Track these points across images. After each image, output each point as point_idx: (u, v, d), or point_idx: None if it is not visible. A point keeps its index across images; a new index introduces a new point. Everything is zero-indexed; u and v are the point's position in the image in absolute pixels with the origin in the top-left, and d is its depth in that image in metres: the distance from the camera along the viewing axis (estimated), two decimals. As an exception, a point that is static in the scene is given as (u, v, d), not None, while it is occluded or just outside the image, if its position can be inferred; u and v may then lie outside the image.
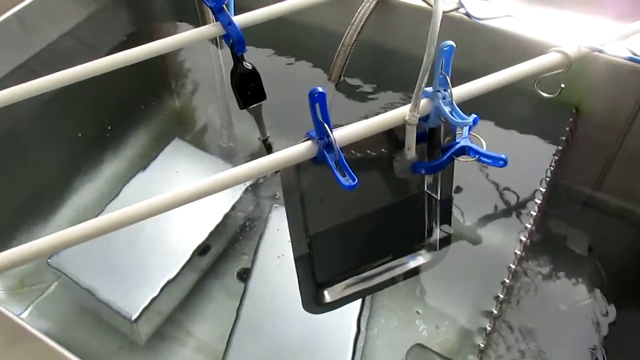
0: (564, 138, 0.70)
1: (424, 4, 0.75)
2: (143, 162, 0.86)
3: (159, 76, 1.00)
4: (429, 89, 0.54)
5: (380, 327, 0.73)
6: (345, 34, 0.76)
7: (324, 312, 0.65)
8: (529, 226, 0.62)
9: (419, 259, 0.67)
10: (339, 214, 0.62)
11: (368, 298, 0.72)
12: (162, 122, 0.96)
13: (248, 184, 0.82)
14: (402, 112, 0.53)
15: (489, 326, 0.55)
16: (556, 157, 0.68)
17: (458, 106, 0.53)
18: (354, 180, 0.46)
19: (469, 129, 0.62)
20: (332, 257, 0.64)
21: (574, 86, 0.73)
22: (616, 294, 0.86)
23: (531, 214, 0.63)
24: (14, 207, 0.84)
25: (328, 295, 0.64)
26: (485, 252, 0.66)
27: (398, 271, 0.67)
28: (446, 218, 0.66)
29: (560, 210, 0.86)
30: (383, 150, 0.60)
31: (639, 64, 0.67)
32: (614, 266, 0.87)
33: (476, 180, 0.70)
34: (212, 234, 0.78)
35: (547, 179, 0.66)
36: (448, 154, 0.59)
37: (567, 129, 0.71)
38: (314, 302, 0.64)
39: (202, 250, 0.78)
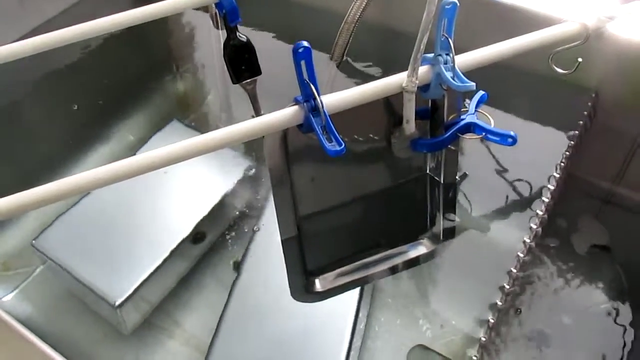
0: (581, 123, 0.65)
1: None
2: (141, 144, 0.83)
3: (162, 59, 0.98)
4: (430, 56, 0.49)
5: (380, 326, 0.68)
6: (349, 11, 0.72)
7: (314, 301, 0.60)
8: (540, 213, 0.57)
9: (420, 249, 0.62)
10: (332, 195, 0.58)
11: (367, 294, 0.67)
12: (163, 105, 0.94)
13: (243, 170, 0.79)
14: (399, 78, 0.49)
15: (492, 319, 0.50)
16: (572, 143, 0.63)
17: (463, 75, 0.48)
18: (340, 145, 0.42)
19: (476, 106, 0.57)
20: (324, 243, 0.60)
21: (593, 68, 0.68)
22: (637, 298, 0.80)
23: (543, 201, 0.58)
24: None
25: (319, 284, 0.60)
26: (493, 243, 0.61)
27: (396, 260, 0.62)
28: (450, 204, 0.62)
29: (577, 205, 0.81)
30: (381, 126, 0.55)
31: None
32: (635, 268, 0.81)
33: (485, 166, 0.65)
34: (205, 222, 0.74)
35: (562, 164, 0.61)
36: (452, 131, 0.55)
37: (586, 113, 0.66)
38: (303, 290, 0.59)
39: (195, 237, 0.74)
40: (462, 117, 0.55)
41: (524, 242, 0.56)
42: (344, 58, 0.74)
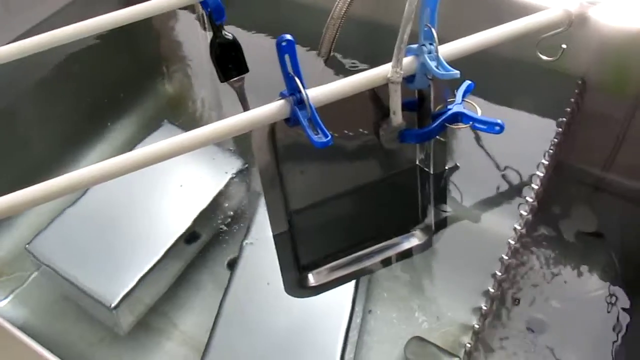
0: (569, 109, 0.65)
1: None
2: (133, 147, 0.83)
3: (151, 61, 0.98)
4: (415, 46, 0.49)
5: (377, 319, 0.69)
6: (335, 7, 0.72)
7: (308, 296, 0.60)
8: (530, 200, 0.57)
9: (413, 240, 0.63)
10: (322, 189, 0.58)
11: (362, 288, 0.67)
12: (154, 107, 0.94)
13: (236, 169, 0.79)
14: (384, 70, 0.49)
15: (485, 306, 0.51)
16: (560, 129, 0.63)
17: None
18: (326, 136, 0.42)
19: (463, 95, 0.58)
20: (317, 237, 0.60)
21: (579, 55, 0.69)
22: (631, 283, 0.81)
23: (533, 188, 0.59)
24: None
25: (312, 279, 0.60)
26: (485, 231, 0.61)
27: (390, 253, 0.62)
28: (441, 195, 0.62)
29: (568, 193, 0.81)
30: (369, 118, 0.55)
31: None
32: (628, 253, 0.82)
33: (475, 156, 0.66)
34: (198, 221, 0.74)
35: (551, 151, 0.61)
36: (439, 121, 0.55)
37: (572, 100, 0.66)
38: (297, 285, 0.59)
39: (188, 237, 0.74)
40: (449, 107, 0.55)
41: (515, 229, 0.56)
42: (332, 54, 0.74)
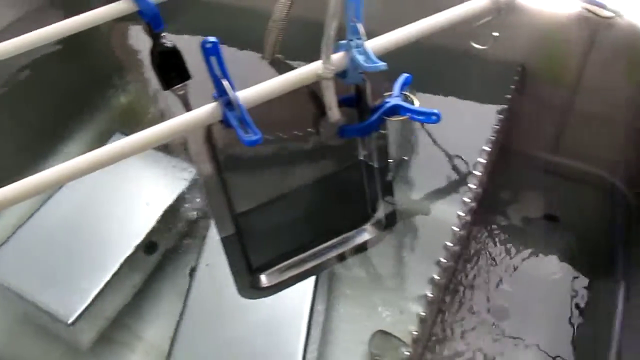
0: (509, 96, 0.66)
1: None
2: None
3: (102, 73, 0.97)
4: (345, 42, 0.50)
5: (340, 317, 0.69)
6: (275, 9, 0.72)
7: (263, 297, 0.60)
8: (473, 187, 0.58)
9: (365, 235, 0.63)
10: (268, 190, 0.58)
11: (323, 287, 0.68)
12: (108, 119, 0.93)
13: (192, 177, 0.78)
14: (315, 67, 0.49)
15: (431, 293, 0.51)
16: (501, 116, 0.65)
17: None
18: (256, 134, 0.42)
19: (402, 88, 0.58)
20: (266, 237, 0.60)
21: (517, 42, 0.70)
22: (588, 262, 0.82)
23: (476, 175, 0.59)
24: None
25: (265, 279, 0.60)
26: (432, 221, 0.62)
27: (342, 249, 0.63)
28: (388, 188, 0.62)
29: (520, 178, 0.82)
30: (308, 115, 0.56)
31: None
32: (583, 234, 0.83)
33: (421, 148, 0.67)
34: (155, 231, 0.74)
35: (492, 137, 0.62)
36: (378, 114, 0.55)
37: (513, 87, 0.67)
38: (249, 287, 0.60)
39: (147, 247, 0.74)
40: (387, 100, 0.56)
41: (459, 216, 0.57)
42: (276, 55, 0.75)
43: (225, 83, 0.44)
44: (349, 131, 0.56)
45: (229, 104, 0.44)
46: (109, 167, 0.80)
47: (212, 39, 0.42)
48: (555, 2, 0.65)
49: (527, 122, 0.75)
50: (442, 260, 0.52)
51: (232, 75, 0.45)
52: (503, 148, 0.77)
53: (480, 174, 0.59)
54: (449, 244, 0.53)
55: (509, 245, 0.84)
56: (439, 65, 0.71)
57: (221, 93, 0.44)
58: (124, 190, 0.77)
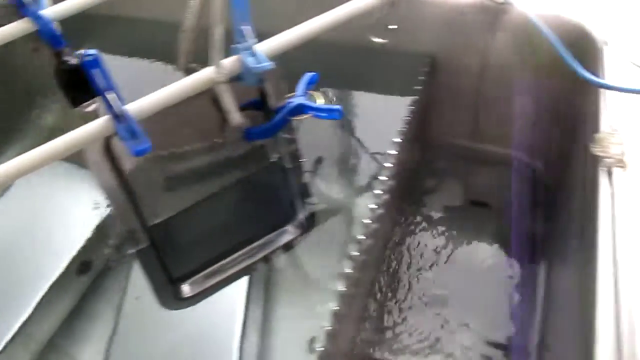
0: (419, 88, 0.67)
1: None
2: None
3: (24, 94, 0.96)
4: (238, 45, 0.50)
5: (278, 320, 0.69)
6: (185, 20, 0.72)
7: (188, 306, 0.60)
8: (385, 179, 0.59)
9: (286, 236, 0.63)
10: (182, 198, 0.58)
11: (259, 291, 0.68)
12: (35, 140, 0.92)
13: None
14: (208, 72, 0.49)
15: (343, 287, 0.52)
16: (412, 107, 0.66)
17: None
18: (144, 143, 0.42)
19: (307, 87, 0.59)
20: (185, 246, 0.60)
21: (425, 34, 0.71)
22: (516, 245, 0.84)
23: (387, 167, 0.60)
24: None
25: (188, 289, 0.60)
26: (348, 215, 0.62)
27: (265, 251, 0.63)
28: (304, 187, 0.63)
29: (444, 167, 0.84)
30: (214, 121, 0.56)
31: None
32: (510, 217, 0.85)
33: (336, 145, 0.67)
34: (87, 249, 0.73)
35: (403, 129, 0.63)
36: (281, 114, 0.56)
37: (422, 78, 0.69)
38: (172, 298, 0.59)
39: (80, 267, 0.73)
40: (291, 100, 0.56)
41: (372, 209, 0.57)
42: (190, 65, 0.75)
43: (110, 96, 0.43)
44: (254, 134, 0.56)
45: (117, 117, 0.44)
46: (36, 185, 0.79)
47: (92, 51, 0.42)
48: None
49: (443, 112, 0.76)
50: (354, 253, 0.53)
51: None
52: (422, 138, 0.79)
53: (391, 165, 0.60)
54: (360, 237, 0.54)
55: (440, 235, 0.86)
56: (351, 61, 0.72)
57: (108, 106, 0.44)
58: (50, 209, 0.76)
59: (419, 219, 0.85)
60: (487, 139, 0.78)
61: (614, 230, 0.43)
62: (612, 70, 0.55)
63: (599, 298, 0.41)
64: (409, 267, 0.84)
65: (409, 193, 0.80)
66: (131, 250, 0.56)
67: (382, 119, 0.68)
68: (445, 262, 0.84)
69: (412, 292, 0.82)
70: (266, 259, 0.63)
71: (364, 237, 0.54)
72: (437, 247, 0.85)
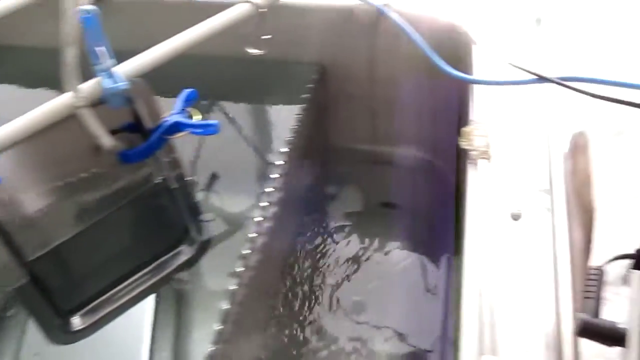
0: (308, 96, 0.67)
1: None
2: None
3: None
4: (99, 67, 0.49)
5: (190, 340, 0.67)
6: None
7: (79, 340, 0.58)
8: (271, 190, 0.58)
9: (181, 256, 0.62)
10: (63, 229, 0.56)
11: (168, 313, 0.66)
12: None
13: None
14: (67, 97, 0.48)
15: (228, 305, 0.51)
16: (300, 116, 0.65)
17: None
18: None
19: (185, 104, 0.58)
20: (72, 278, 0.58)
21: (313, 43, 0.71)
22: (429, 243, 0.84)
23: (274, 178, 0.60)
24: None
25: (79, 321, 0.58)
26: (236, 229, 0.61)
27: (161, 273, 0.61)
28: (194, 204, 0.62)
29: (348, 172, 0.84)
30: (87, 147, 0.54)
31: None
32: (421, 216, 0.85)
33: (226, 160, 0.66)
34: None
35: (292, 138, 0.63)
36: (157, 134, 0.55)
37: (310, 86, 0.68)
38: (62, 332, 0.57)
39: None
40: (167, 118, 0.55)
41: (257, 222, 0.56)
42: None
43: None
44: (131, 156, 0.55)
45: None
46: None
47: None
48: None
49: (340, 118, 0.76)
50: (240, 269, 0.52)
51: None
52: (323, 146, 0.78)
53: (278, 176, 0.59)
54: (246, 251, 0.53)
55: (352, 241, 0.86)
56: (241, 74, 0.72)
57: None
58: None
59: (329, 226, 0.85)
60: (388, 141, 0.78)
61: (480, 219, 0.44)
62: (484, 67, 0.56)
63: (463, 291, 0.41)
64: (323, 278, 0.84)
65: (312, 201, 0.80)
66: (9, 288, 0.53)
67: (271, 130, 0.67)
68: (359, 269, 0.84)
69: (325, 303, 0.82)
70: (163, 281, 0.61)
71: (250, 252, 0.53)
72: (349, 254, 0.84)
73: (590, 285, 0.33)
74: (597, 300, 0.32)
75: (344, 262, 0.85)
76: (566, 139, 0.50)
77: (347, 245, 0.84)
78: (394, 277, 0.84)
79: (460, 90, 0.62)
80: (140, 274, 0.61)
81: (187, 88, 0.58)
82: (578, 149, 0.49)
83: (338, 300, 0.82)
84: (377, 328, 0.82)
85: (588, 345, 0.34)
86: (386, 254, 0.85)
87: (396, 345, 0.80)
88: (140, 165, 0.58)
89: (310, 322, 0.79)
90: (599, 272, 0.34)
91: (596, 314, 0.31)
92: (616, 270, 0.36)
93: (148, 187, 0.59)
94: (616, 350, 0.31)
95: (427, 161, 0.79)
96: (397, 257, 0.85)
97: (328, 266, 0.83)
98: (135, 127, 0.56)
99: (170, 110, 0.56)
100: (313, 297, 0.81)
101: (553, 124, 0.51)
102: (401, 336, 0.81)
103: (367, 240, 0.85)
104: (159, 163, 0.58)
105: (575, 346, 0.35)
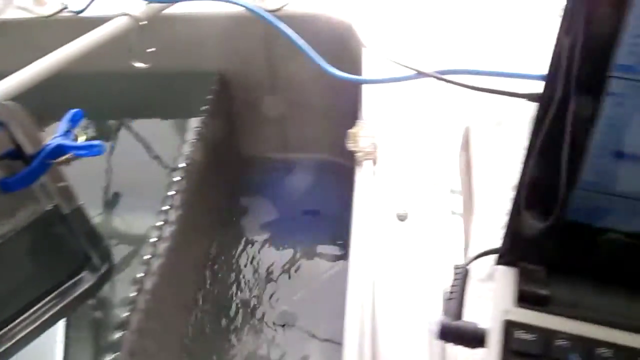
0: (206, 107, 0.66)
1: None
2: None
3: None
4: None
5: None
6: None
7: (-26, 382, 0.54)
8: (166, 208, 0.56)
9: (84, 283, 0.59)
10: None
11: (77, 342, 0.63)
12: None
13: None
14: None
15: (123, 331, 0.48)
16: (200, 129, 0.64)
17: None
18: None
19: (69, 124, 0.55)
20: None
21: (210, 53, 0.70)
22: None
23: (171, 196, 0.58)
24: None
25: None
26: (136, 251, 0.59)
27: (63, 302, 0.58)
28: (90, 229, 0.59)
29: (263, 182, 0.83)
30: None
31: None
32: (336, 220, 0.85)
33: (126, 179, 0.64)
34: None
35: (191, 151, 0.61)
36: (38, 158, 0.52)
37: (210, 97, 0.67)
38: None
39: None
40: (49, 142, 0.53)
41: (152, 243, 0.54)
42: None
43: None
44: (12, 184, 0.52)
45: None
46: None
47: None
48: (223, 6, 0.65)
49: (248, 128, 0.75)
50: (132, 294, 0.50)
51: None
52: (234, 157, 0.77)
53: (175, 193, 0.57)
54: (139, 275, 0.51)
55: (272, 252, 0.84)
56: (141, 89, 0.69)
57: None
58: None
59: (249, 238, 0.83)
60: (299, 147, 0.77)
61: (364, 221, 0.43)
62: (374, 66, 0.56)
63: (347, 296, 0.40)
64: (250, 290, 0.82)
65: (224, 215, 0.78)
66: None
67: (170, 145, 0.65)
68: (281, 281, 0.83)
69: (253, 316, 0.80)
70: (65, 311, 0.59)
71: (143, 274, 0.51)
72: (269, 266, 0.83)
73: (453, 286, 0.32)
74: (460, 300, 0.31)
75: (272, 272, 0.83)
76: (459, 135, 0.49)
77: (266, 257, 0.83)
78: (322, 284, 0.83)
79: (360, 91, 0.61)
80: (39, 305, 0.58)
81: (79, 108, 0.55)
82: (467, 143, 0.49)
83: (264, 314, 0.80)
84: (304, 340, 0.81)
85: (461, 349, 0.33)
86: (313, 261, 0.84)
87: (325, 356, 0.79)
88: (28, 193, 0.55)
89: (232, 337, 0.77)
90: (463, 271, 0.33)
91: (459, 315, 0.31)
92: (486, 267, 0.36)
93: (38, 216, 0.56)
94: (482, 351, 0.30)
95: (340, 164, 0.79)
96: (324, 266, 0.84)
97: (247, 282, 0.82)
98: (16, 153, 0.53)
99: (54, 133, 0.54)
100: (233, 319, 0.79)
101: (446, 120, 0.51)
102: (329, 345, 0.80)
103: (288, 251, 0.84)
104: (46, 189, 0.55)
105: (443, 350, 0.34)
